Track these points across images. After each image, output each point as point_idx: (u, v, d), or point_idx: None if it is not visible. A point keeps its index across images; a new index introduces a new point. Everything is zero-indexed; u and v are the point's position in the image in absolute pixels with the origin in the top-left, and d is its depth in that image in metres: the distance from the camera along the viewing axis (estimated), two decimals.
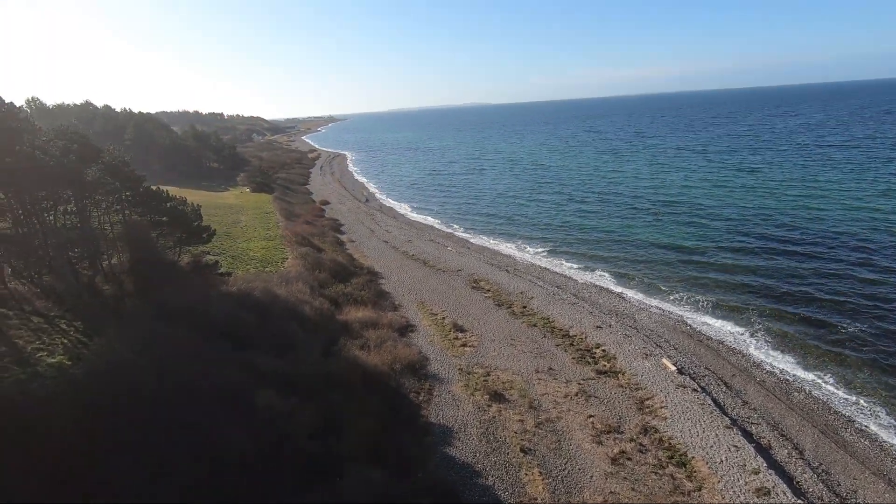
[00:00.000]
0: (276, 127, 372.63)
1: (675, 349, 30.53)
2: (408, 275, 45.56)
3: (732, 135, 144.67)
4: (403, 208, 78.75)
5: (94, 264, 28.96)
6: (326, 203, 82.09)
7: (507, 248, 54.16)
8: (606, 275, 44.15)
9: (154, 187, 32.78)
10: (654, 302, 38.03)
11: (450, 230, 63.12)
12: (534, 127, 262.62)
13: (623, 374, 27.68)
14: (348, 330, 32.64)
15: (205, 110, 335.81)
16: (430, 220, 69.41)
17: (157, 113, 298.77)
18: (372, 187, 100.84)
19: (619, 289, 40.94)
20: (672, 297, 38.62)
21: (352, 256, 50.66)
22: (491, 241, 56.99)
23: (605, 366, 28.45)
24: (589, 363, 28.81)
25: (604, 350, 30.29)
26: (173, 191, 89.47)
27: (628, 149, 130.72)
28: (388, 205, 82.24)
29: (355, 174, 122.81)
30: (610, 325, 33.54)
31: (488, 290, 40.93)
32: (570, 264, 47.58)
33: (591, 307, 36.94)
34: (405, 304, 38.89)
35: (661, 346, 30.59)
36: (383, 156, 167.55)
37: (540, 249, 52.69)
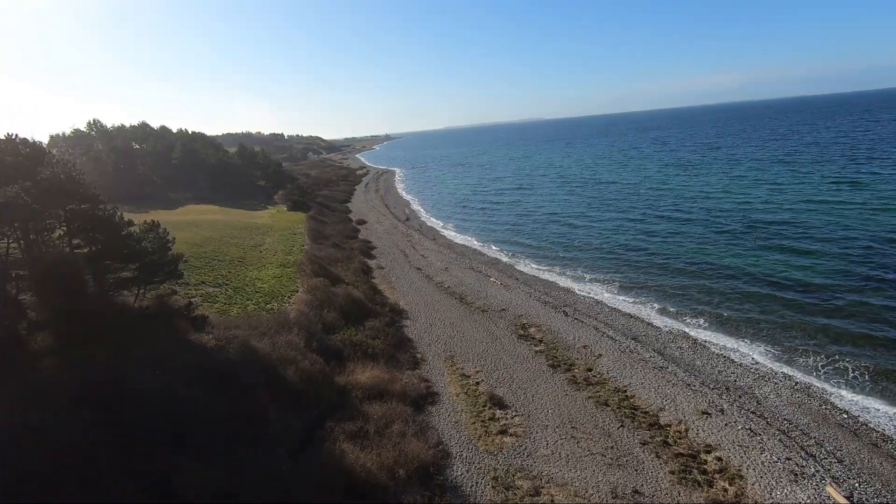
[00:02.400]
0: (332, 146, 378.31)
1: (838, 459, 19.04)
2: (439, 315, 36.10)
3: (821, 143, 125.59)
4: (444, 228, 69.67)
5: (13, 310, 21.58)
6: (363, 223, 74.61)
7: (564, 280, 43.48)
8: (700, 321, 32.65)
9: (111, 210, 25.44)
10: (780, 367, 26.32)
11: (494, 255, 53.20)
12: (591, 140, 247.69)
13: None
14: (345, 402, 23.57)
15: (267, 131, 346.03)
16: (472, 243, 59.80)
17: (222, 135, 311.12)
18: (415, 204, 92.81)
19: (721, 342, 29.45)
20: (803, 360, 26.77)
21: (375, 288, 41.90)
22: (543, 271, 46.54)
23: (726, 493, 17.48)
24: (699, 484, 17.94)
25: (719, 459, 19.27)
26: (206, 209, 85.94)
27: (698, 161, 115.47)
28: (429, 224, 73.54)
29: (400, 190, 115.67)
30: (722, 410, 22.36)
31: (540, 342, 30.67)
32: (647, 304, 36.30)
33: (687, 374, 25.83)
34: (429, 360, 29.39)
35: (813, 456, 19.18)
36: (431, 172, 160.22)
37: (605, 282, 41.68)
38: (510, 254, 53.24)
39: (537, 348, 29.70)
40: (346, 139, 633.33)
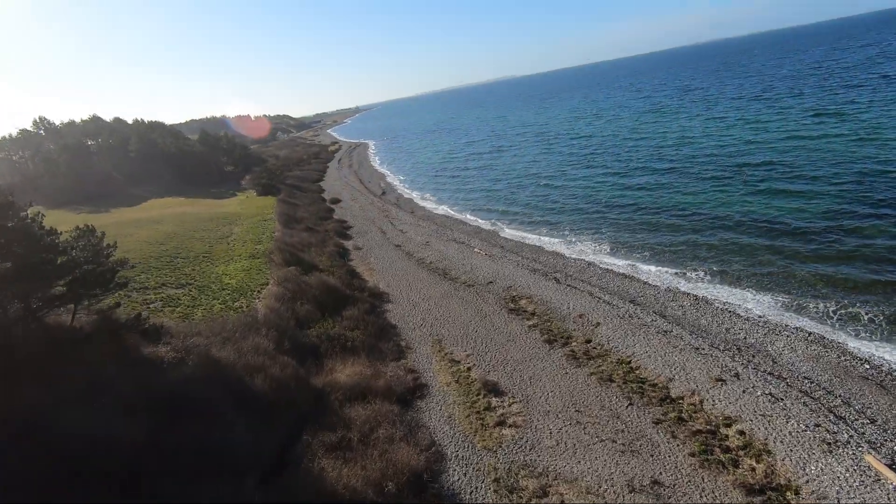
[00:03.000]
0: (302, 123, 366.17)
1: (869, 419, 17.21)
2: (422, 295, 33.51)
3: (795, 76, 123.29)
4: (422, 199, 66.37)
5: None
6: (337, 201, 70.89)
7: (551, 243, 41.02)
8: (699, 274, 30.57)
9: (30, 219, 21.87)
10: (790, 319, 24.39)
11: (476, 224, 50.42)
12: (563, 94, 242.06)
13: (796, 491, 14.78)
14: (324, 407, 21.11)
15: (232, 114, 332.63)
16: (452, 212, 56.83)
17: (185, 122, 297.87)
18: (390, 177, 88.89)
19: (724, 296, 27.42)
20: (813, 308, 24.89)
21: (353, 272, 39.04)
22: (528, 236, 43.99)
23: (754, 473, 15.53)
24: (724, 465, 15.96)
25: (742, 433, 17.29)
26: (171, 202, 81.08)
27: (675, 105, 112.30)
28: (406, 196, 70.12)
29: (374, 163, 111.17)
30: (737, 375, 20.35)
31: (532, 314, 28.34)
32: (641, 263, 34.08)
33: (694, 336, 23.77)
34: (415, 346, 26.95)
35: (843, 418, 17.32)
36: (404, 142, 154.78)
37: (594, 242, 39.33)
38: (492, 221, 50.48)
39: (530, 322, 27.37)
40: (317, 115, 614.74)
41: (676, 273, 31.36)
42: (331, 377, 23.31)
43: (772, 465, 15.64)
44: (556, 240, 41.64)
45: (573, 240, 40.85)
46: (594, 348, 23.97)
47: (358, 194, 74.55)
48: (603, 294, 29.44)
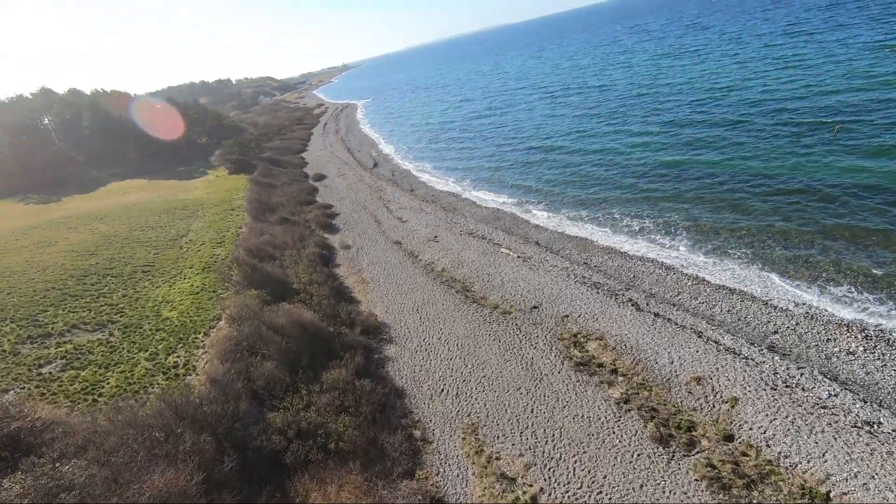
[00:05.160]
0: (286, 85, 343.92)
1: None
2: (438, 328, 23.05)
3: (826, 5, 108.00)
4: (421, 171, 54.63)
5: None
6: (321, 178, 59.16)
7: (603, 234, 30.17)
8: (873, 296, 20.03)
9: None
10: None
11: (494, 205, 39.25)
12: (564, 39, 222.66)
13: None
14: None
15: (211, 78, 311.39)
16: (459, 190, 45.40)
17: (164, 89, 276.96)
18: (382, 143, 76.39)
19: None
20: None
21: (339, 289, 28.35)
22: (567, 223, 33.04)
23: None
24: None
25: None
26: (131, 186, 68.98)
27: (694, 46, 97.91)
28: (402, 168, 58.29)
29: (363, 127, 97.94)
30: None
31: (614, 372, 17.98)
32: (751, 267, 23.35)
33: None
34: (437, 436, 16.81)
35: None
36: (395, 100, 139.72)
37: (665, 231, 28.49)
38: (513, 201, 39.26)
39: (616, 393, 17.04)
40: (302, 75, 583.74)
41: (827, 291, 20.79)
42: None
43: None
44: (606, 229, 30.80)
45: (630, 227, 30.02)
46: (745, 456, 13.77)
47: (346, 167, 62.65)
48: (719, 333, 18.97)
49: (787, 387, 15.70)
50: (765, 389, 15.74)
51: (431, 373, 20.17)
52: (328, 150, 77.94)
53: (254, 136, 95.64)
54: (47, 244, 38.23)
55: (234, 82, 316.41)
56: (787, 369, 16.43)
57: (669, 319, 20.17)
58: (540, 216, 34.95)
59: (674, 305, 21.24)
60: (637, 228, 29.68)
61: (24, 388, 20.30)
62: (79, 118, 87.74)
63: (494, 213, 36.98)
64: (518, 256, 28.42)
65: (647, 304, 21.55)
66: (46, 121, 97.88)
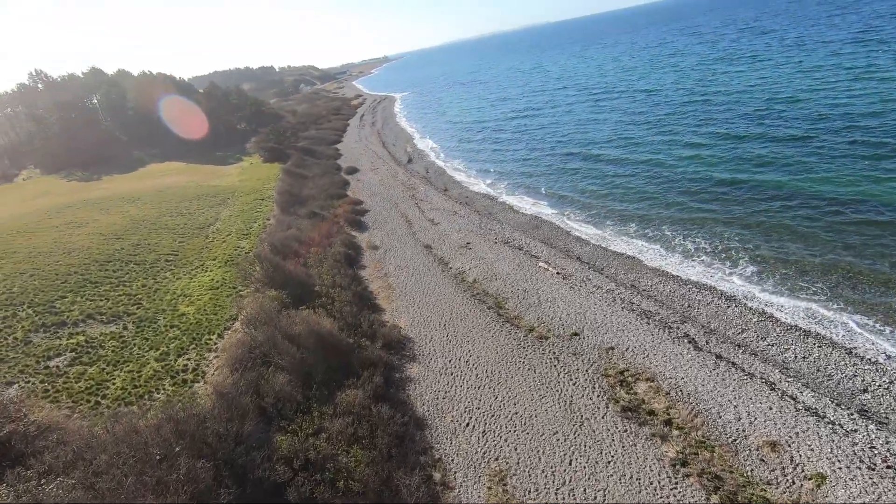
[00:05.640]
0: (327, 74, 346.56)
1: None
2: (466, 350, 20.92)
3: None
4: (456, 171, 52.40)
5: None
6: (354, 171, 57.73)
7: (652, 252, 27.28)
8: None
9: None
10: None
11: (531, 211, 36.70)
12: (608, 39, 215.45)
13: None
14: None
15: (256, 65, 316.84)
16: (495, 193, 42.93)
17: (210, 73, 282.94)
18: (417, 138, 74.48)
19: None
20: None
21: (362, 294, 26.53)
22: (611, 237, 30.27)
23: None
24: None
25: None
26: (169, 168, 69.99)
27: (750, 51, 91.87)
28: (437, 165, 56.22)
29: (400, 120, 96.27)
30: None
31: (667, 423, 15.40)
32: (834, 309, 20.23)
33: None
34: (459, 481, 14.72)
35: None
36: (433, 94, 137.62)
37: (725, 255, 25.43)
38: (554, 210, 36.62)
39: (671, 451, 14.53)
40: (343, 66, 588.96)
41: None
42: None
43: None
44: (657, 246, 27.92)
45: (684, 248, 27.07)
46: None
47: (379, 162, 61.04)
48: (796, 386, 16.12)
49: (888, 468, 12.87)
50: (860, 468, 12.96)
51: (456, 401, 18.07)
52: (363, 142, 76.60)
53: (291, 124, 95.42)
54: (78, 225, 37.96)
55: (277, 70, 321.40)
56: (888, 443, 13.56)
57: (734, 364, 17.42)
58: (582, 228, 32.26)
59: (738, 346, 18.44)
60: (692, 249, 26.72)
61: (28, 381, 19.26)
62: (123, 99, 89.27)
63: (532, 221, 34.48)
64: (557, 272, 25.94)
65: (707, 342, 18.82)
66: (95, 100, 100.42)
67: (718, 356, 17.93)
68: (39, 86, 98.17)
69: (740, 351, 18.12)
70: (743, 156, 38.45)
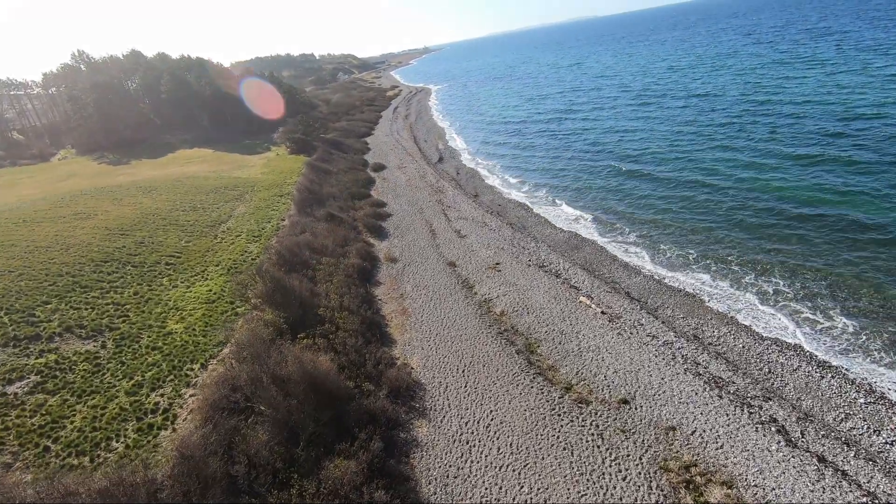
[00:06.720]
0: (366, 64, 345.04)
1: None
2: (488, 408, 17.03)
3: None
4: (488, 174, 48.17)
5: None
6: (381, 168, 54.29)
7: (720, 292, 22.68)
8: None
9: None
10: None
11: (570, 228, 32.32)
12: (654, 37, 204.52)
13: None
14: None
15: (297, 52, 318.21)
16: (530, 203, 38.57)
17: (252, 59, 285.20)
18: (450, 135, 70.46)
19: None
20: None
21: (372, 322, 22.94)
22: (666, 266, 25.63)
23: None
24: None
25: None
26: (196, 155, 67.87)
27: (812, 54, 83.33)
28: (468, 166, 52.16)
29: (434, 114, 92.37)
30: None
31: None
32: None
33: None
34: None
35: None
36: (470, 88, 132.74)
37: (813, 305, 20.63)
38: (597, 227, 32.11)
39: None
40: (383, 55, 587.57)
41: None
42: None
43: None
44: (724, 283, 23.25)
45: (759, 289, 22.33)
46: None
47: (408, 158, 57.39)
48: None
49: None
50: None
51: (472, 485, 14.28)
52: (394, 136, 73.12)
53: (323, 114, 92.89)
54: (85, 216, 35.84)
55: (317, 57, 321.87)
56: None
57: (845, 474, 12.97)
58: (631, 253, 27.74)
59: (846, 444, 13.93)
60: (770, 292, 21.96)
61: None
62: (158, 82, 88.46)
63: (571, 240, 30.13)
64: (602, 312, 21.68)
65: (803, 434, 14.36)
66: (133, 84, 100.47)
67: (821, 459, 13.49)
68: (82, 67, 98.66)
69: (851, 453, 13.62)
70: (826, 183, 32.32)
